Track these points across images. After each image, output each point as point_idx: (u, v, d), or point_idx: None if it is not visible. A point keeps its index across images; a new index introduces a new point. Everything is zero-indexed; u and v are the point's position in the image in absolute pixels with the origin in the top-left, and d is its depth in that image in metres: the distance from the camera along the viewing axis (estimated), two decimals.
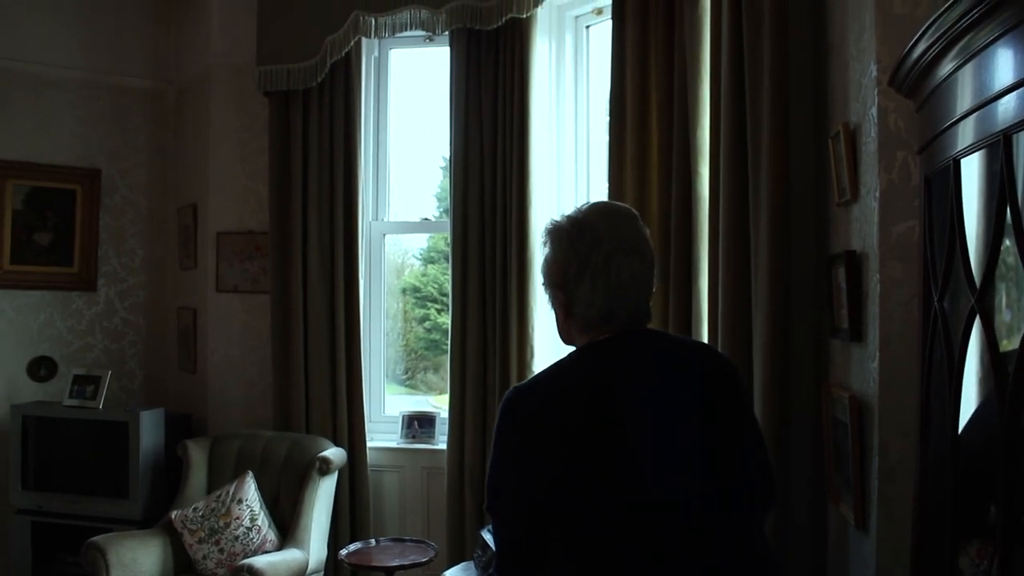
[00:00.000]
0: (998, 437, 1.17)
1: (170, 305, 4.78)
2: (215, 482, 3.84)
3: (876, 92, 2.01)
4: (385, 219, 4.38)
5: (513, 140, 3.71)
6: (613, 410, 1.42)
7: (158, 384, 4.77)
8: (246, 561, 3.32)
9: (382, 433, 4.25)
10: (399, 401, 4.59)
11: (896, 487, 1.97)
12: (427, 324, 4.91)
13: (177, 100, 4.80)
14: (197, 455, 3.90)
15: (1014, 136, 1.14)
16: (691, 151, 3.03)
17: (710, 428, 1.47)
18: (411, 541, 3.68)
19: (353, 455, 4.01)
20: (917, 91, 1.58)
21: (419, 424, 4.18)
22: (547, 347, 3.71)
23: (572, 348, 1.58)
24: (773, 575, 1.55)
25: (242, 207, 4.39)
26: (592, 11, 3.85)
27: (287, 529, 3.66)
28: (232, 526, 3.56)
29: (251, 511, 3.62)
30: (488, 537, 3.07)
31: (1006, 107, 1.14)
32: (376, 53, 4.34)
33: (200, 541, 3.55)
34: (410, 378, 4.93)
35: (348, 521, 4.00)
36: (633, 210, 1.61)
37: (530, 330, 3.67)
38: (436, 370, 4.85)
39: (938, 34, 1.33)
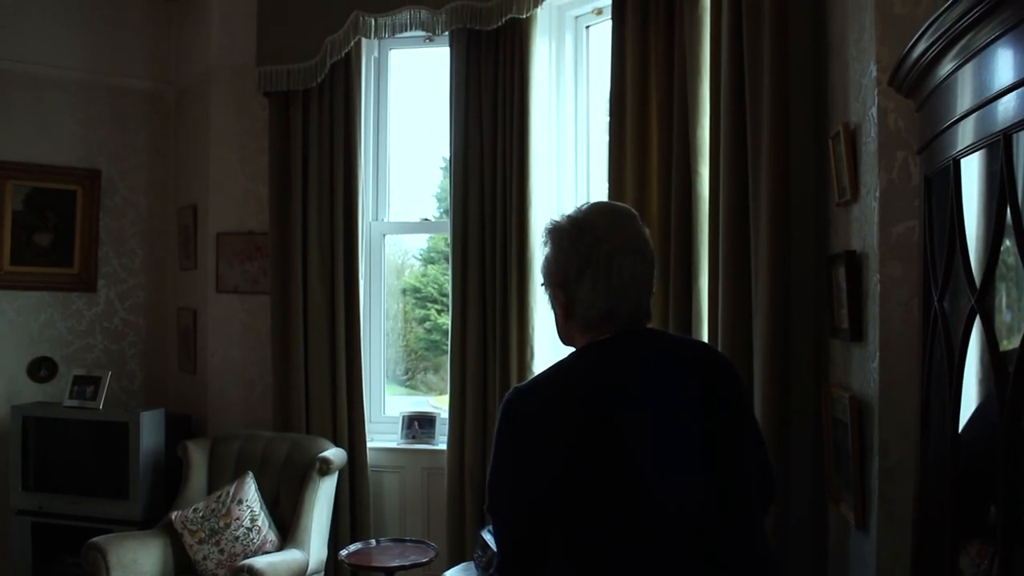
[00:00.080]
0: (998, 437, 1.17)
1: (170, 306, 4.78)
2: (215, 483, 3.84)
3: (876, 92, 2.01)
4: (385, 219, 4.38)
5: (513, 140, 3.71)
6: (613, 411, 1.42)
7: (158, 385, 4.77)
8: (246, 562, 3.32)
9: (382, 433, 4.25)
10: (399, 401, 4.59)
11: (896, 487, 1.97)
12: (427, 324, 4.91)
13: (177, 101, 4.80)
14: (197, 456, 3.90)
15: (1014, 136, 1.14)
16: (691, 151, 3.03)
17: (710, 428, 1.47)
18: (411, 541, 3.68)
19: (353, 455, 4.01)
20: (917, 91, 1.58)
21: (419, 424, 4.18)
22: (547, 347, 3.71)
23: (572, 348, 1.59)
24: (773, 574, 1.55)
25: (242, 208, 4.39)
26: (592, 11, 3.85)
27: (287, 530, 3.66)
28: (232, 527, 3.56)
29: (251, 512, 3.62)
30: (488, 537, 3.07)
31: (1006, 107, 1.14)
32: (376, 53, 4.34)
33: (200, 542, 3.55)
34: (410, 378, 4.93)
35: (348, 521, 4.00)
36: (632, 210, 1.62)
37: (530, 330, 3.67)
38: (436, 370, 4.85)
39: (938, 34, 1.33)
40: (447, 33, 3.90)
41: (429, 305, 4.88)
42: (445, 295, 4.42)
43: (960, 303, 1.39)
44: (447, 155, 3.99)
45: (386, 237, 4.42)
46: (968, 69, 1.29)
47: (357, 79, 4.10)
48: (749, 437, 1.54)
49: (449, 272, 3.93)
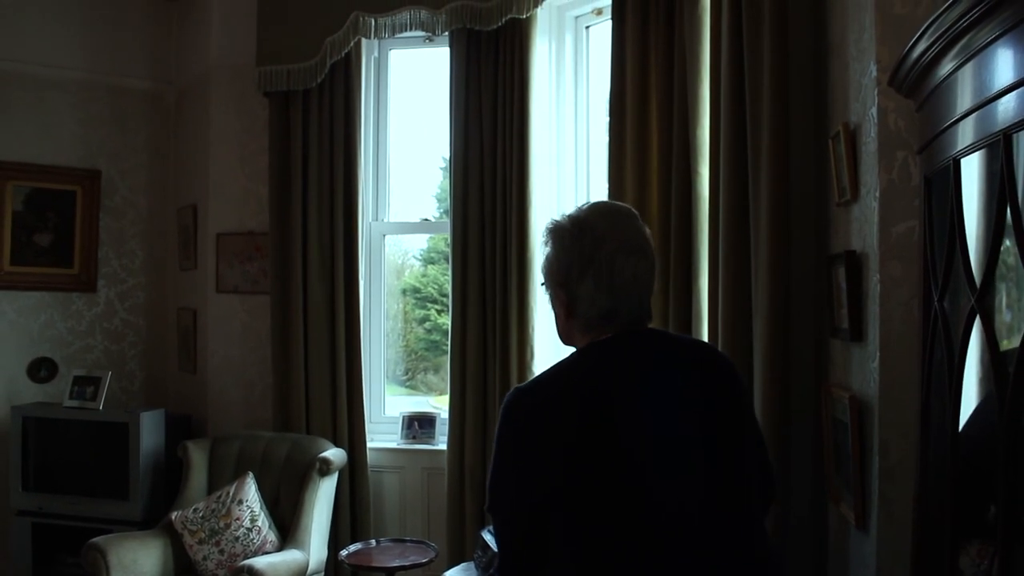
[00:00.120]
0: (998, 437, 1.17)
1: (170, 306, 4.78)
2: (215, 483, 3.84)
3: (876, 92, 2.01)
4: (385, 220, 4.38)
5: (513, 140, 3.71)
6: (614, 411, 1.42)
7: (158, 385, 4.77)
8: (246, 562, 3.32)
9: (382, 434, 4.25)
10: (399, 402, 4.59)
11: (896, 487, 1.97)
12: (427, 325, 4.91)
13: (177, 101, 4.80)
14: (197, 456, 3.90)
15: (1014, 136, 1.14)
16: (691, 151, 3.03)
17: (710, 427, 1.47)
18: (411, 542, 3.68)
19: (353, 456, 4.01)
20: (917, 91, 1.58)
21: (419, 425, 4.18)
22: (547, 348, 3.70)
23: (572, 348, 1.58)
24: (774, 571, 1.55)
25: (242, 208, 4.39)
26: (592, 11, 3.85)
27: (287, 530, 3.66)
28: (232, 527, 3.56)
29: (251, 512, 3.62)
30: (488, 538, 3.07)
31: (1006, 107, 1.14)
32: (376, 54, 4.34)
33: (200, 542, 3.55)
34: (410, 379, 4.93)
35: (348, 522, 4.00)
36: (633, 209, 1.62)
37: (530, 330, 3.67)
38: (436, 371, 4.85)
39: (938, 34, 1.33)
40: (447, 33, 3.90)
41: (429, 305, 4.88)
42: (445, 295, 4.42)
43: (960, 303, 1.39)
44: (447, 155, 3.99)
45: (386, 237, 4.42)
46: (968, 69, 1.29)
47: (357, 79, 4.10)
48: (749, 437, 1.54)
49: (449, 272, 3.93)
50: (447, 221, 3.99)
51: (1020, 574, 1.17)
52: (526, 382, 1.57)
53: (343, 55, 4.04)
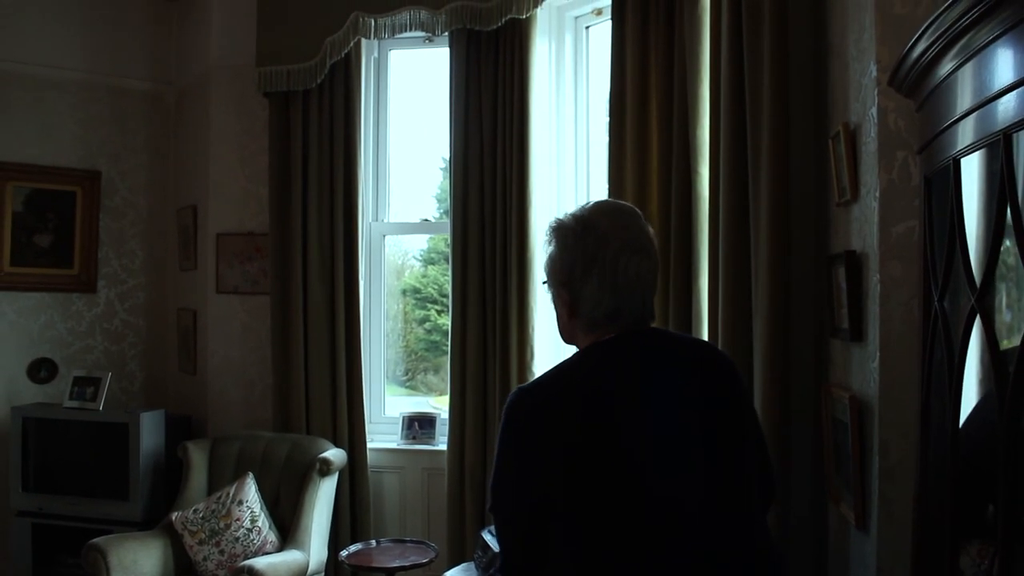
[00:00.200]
0: (998, 437, 1.17)
1: (170, 306, 4.78)
2: (215, 483, 3.84)
3: (876, 92, 2.01)
4: (385, 220, 4.38)
5: (513, 140, 3.71)
6: (615, 411, 1.42)
7: (158, 385, 4.77)
8: (246, 562, 3.32)
9: (382, 434, 4.25)
10: (399, 402, 4.59)
11: (896, 487, 1.97)
12: (427, 325, 4.91)
13: (177, 101, 4.80)
14: (197, 456, 3.90)
15: (1014, 135, 1.14)
16: (691, 151, 3.03)
17: (709, 427, 1.47)
18: (411, 542, 3.68)
19: (353, 456, 4.01)
20: (917, 91, 1.58)
21: (419, 425, 4.18)
22: (547, 348, 3.70)
23: (573, 347, 1.58)
24: (774, 570, 1.54)
25: (242, 208, 4.39)
26: (592, 11, 3.85)
27: (287, 530, 3.66)
28: (232, 527, 3.56)
29: (251, 512, 3.62)
30: (488, 538, 3.07)
31: (1006, 106, 1.14)
32: (376, 54, 4.34)
33: (200, 543, 3.55)
34: (410, 379, 4.93)
35: (348, 522, 4.00)
36: (636, 208, 1.61)
37: (530, 331, 3.67)
38: (436, 371, 4.85)
39: (938, 33, 1.33)
40: (447, 33, 3.90)
41: (429, 306, 4.88)
42: (445, 296, 4.42)
43: (960, 303, 1.39)
44: (447, 155, 3.99)
45: (386, 238, 4.42)
46: (968, 69, 1.28)
47: (357, 79, 4.10)
48: (749, 436, 1.54)
49: (449, 272, 3.93)
50: (447, 221, 3.99)
51: (1020, 574, 1.17)
52: (529, 382, 1.56)
53: (343, 55, 4.04)
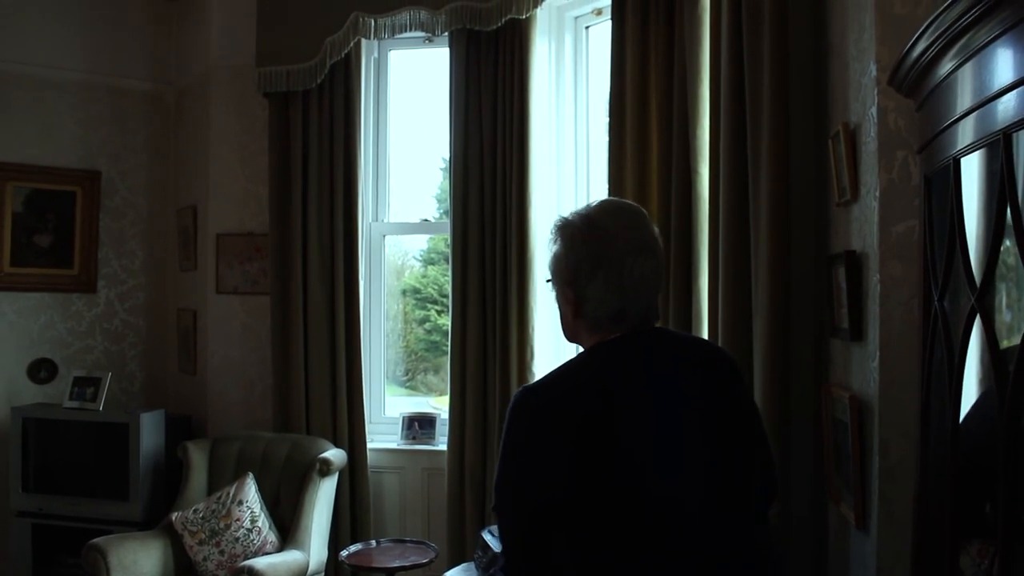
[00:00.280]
0: (998, 436, 1.17)
1: (170, 307, 4.78)
2: (215, 484, 3.84)
3: (876, 92, 2.01)
4: (385, 220, 4.38)
5: (513, 140, 3.71)
6: (619, 411, 1.42)
7: (158, 386, 4.77)
8: (247, 563, 3.32)
9: (382, 434, 4.25)
10: (399, 402, 4.59)
11: (896, 487, 1.97)
12: (427, 325, 4.91)
13: (177, 102, 4.80)
14: (197, 457, 3.90)
15: (1014, 135, 1.14)
16: (691, 151, 3.03)
17: (710, 427, 1.47)
18: (411, 542, 3.68)
19: (353, 456, 4.01)
20: (917, 90, 1.58)
21: (419, 425, 4.18)
22: (547, 348, 3.71)
23: (575, 346, 1.58)
24: (774, 570, 1.55)
25: (242, 209, 4.39)
26: (592, 12, 3.85)
27: (287, 530, 3.66)
28: (232, 528, 3.56)
29: (251, 512, 3.62)
30: (488, 538, 3.07)
31: (1006, 106, 1.14)
32: (376, 54, 4.35)
33: (200, 543, 3.55)
34: (410, 379, 4.93)
35: (348, 522, 4.00)
36: (642, 208, 1.61)
37: (530, 331, 3.67)
38: (436, 371, 4.85)
39: (937, 33, 1.33)
40: (447, 34, 3.90)
41: (429, 306, 4.88)
42: (445, 296, 4.42)
43: (960, 303, 1.39)
44: (447, 155, 3.99)
45: (386, 238, 4.42)
46: (968, 68, 1.28)
47: (357, 80, 4.10)
48: (750, 435, 1.54)
49: (449, 273, 3.93)
50: (447, 221, 3.99)
51: (1020, 574, 1.17)
52: (534, 382, 1.56)
53: (343, 55, 4.04)
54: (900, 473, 1.96)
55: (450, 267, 3.90)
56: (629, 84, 3.27)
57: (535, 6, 3.65)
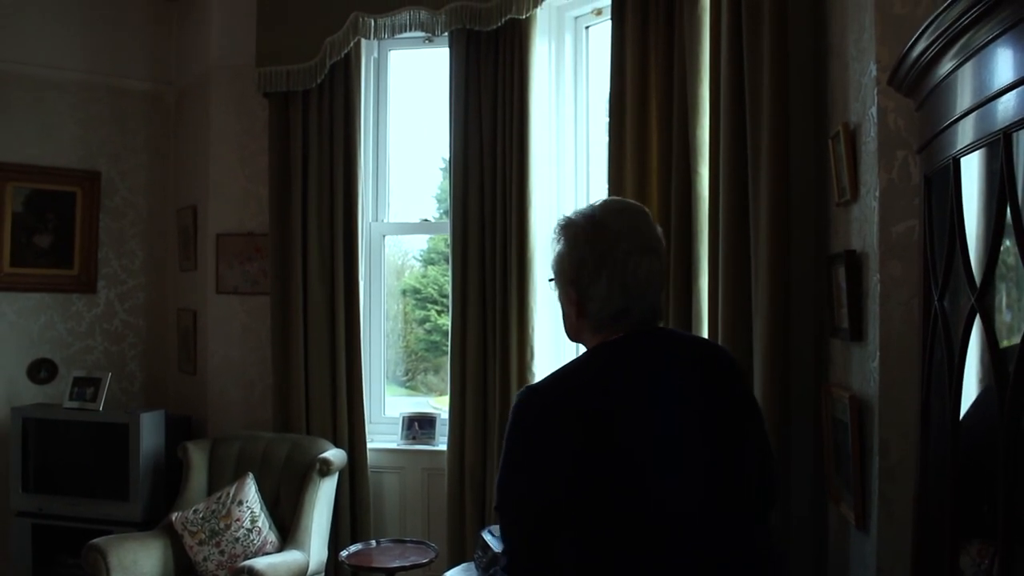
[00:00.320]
0: (998, 436, 1.16)
1: (170, 307, 4.78)
2: (215, 484, 3.84)
3: (876, 92, 2.01)
4: (385, 220, 4.38)
5: (513, 140, 3.71)
6: (620, 411, 1.42)
7: (158, 386, 4.77)
8: (247, 563, 3.31)
9: (382, 434, 4.25)
10: (399, 402, 4.59)
11: (896, 487, 1.97)
12: (427, 325, 4.91)
13: (177, 102, 4.80)
14: (197, 457, 3.90)
15: (1014, 135, 1.14)
16: (691, 151, 3.03)
17: (710, 427, 1.47)
18: (411, 542, 3.67)
19: (353, 456, 4.01)
20: (917, 90, 1.58)
21: (419, 425, 4.18)
22: (547, 348, 3.71)
23: (575, 346, 1.58)
24: (774, 570, 1.55)
25: (242, 209, 4.39)
26: (592, 12, 3.85)
27: (287, 530, 3.66)
28: (232, 528, 3.56)
29: (251, 513, 3.62)
30: (488, 538, 3.07)
31: (1006, 106, 1.14)
32: (375, 54, 4.35)
33: (201, 543, 3.55)
34: (410, 379, 4.93)
35: (348, 522, 4.00)
36: (645, 208, 1.61)
37: (530, 331, 3.67)
38: (436, 371, 4.85)
39: (937, 33, 1.33)
40: (447, 34, 3.90)
41: (429, 306, 4.88)
42: (445, 296, 4.42)
43: (960, 302, 1.39)
44: (447, 155, 3.99)
45: (386, 238, 4.42)
46: (968, 68, 1.28)
47: (357, 80, 4.10)
48: (750, 436, 1.54)
49: (449, 273, 3.93)
50: (447, 221, 3.99)
51: (1020, 574, 1.17)
52: (537, 381, 1.56)
53: (343, 56, 4.04)
54: (900, 473, 1.96)
55: (450, 267, 3.90)
56: (629, 84, 3.27)
57: (535, 6, 3.65)
